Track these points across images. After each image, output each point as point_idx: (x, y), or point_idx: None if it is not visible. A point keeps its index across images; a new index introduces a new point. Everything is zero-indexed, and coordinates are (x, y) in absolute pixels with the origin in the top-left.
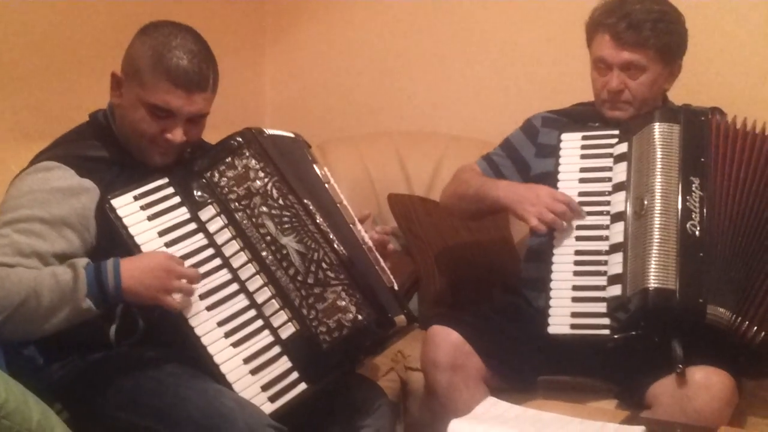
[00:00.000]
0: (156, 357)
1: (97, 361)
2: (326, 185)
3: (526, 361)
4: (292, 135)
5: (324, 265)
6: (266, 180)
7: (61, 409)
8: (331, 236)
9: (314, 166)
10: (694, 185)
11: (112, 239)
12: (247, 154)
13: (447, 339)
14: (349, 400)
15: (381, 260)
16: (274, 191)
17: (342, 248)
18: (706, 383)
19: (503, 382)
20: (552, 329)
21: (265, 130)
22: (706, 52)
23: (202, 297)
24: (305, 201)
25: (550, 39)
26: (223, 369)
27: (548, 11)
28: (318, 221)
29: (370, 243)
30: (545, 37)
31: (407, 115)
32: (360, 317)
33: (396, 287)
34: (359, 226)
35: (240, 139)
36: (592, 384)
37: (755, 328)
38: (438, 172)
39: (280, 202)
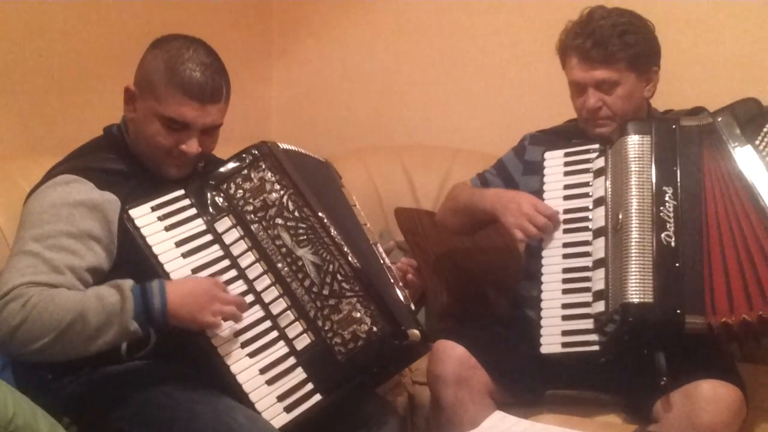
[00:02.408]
0: (167, 372)
1: (107, 375)
2: (353, 207)
3: (533, 375)
4: (322, 159)
5: (339, 277)
6: (282, 192)
7: (70, 424)
8: (345, 249)
9: (342, 190)
10: (667, 195)
11: (131, 250)
12: (263, 166)
13: (452, 353)
14: (357, 414)
15: (399, 282)
16: (290, 204)
17: (356, 261)
18: (713, 396)
19: (510, 395)
20: (544, 349)
21: (287, 146)
22: (689, 53)
23: None
24: (320, 214)
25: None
26: (240, 379)
27: (555, 25)
28: (332, 234)
29: (389, 264)
30: (552, 50)
31: (414, 129)
32: (375, 329)
33: (413, 308)
34: (380, 249)
35: (256, 152)
36: (599, 398)
37: (724, 325)
38: (445, 186)
39: (296, 214)
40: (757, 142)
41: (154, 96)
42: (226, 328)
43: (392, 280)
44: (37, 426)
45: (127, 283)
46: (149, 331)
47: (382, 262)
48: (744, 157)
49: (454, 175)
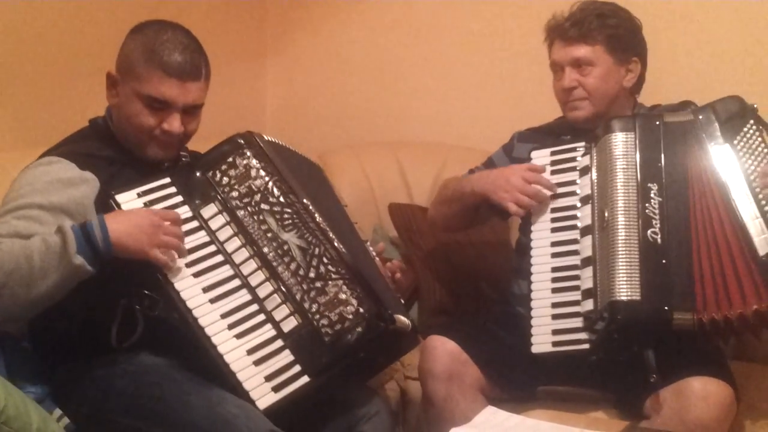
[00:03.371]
0: (159, 362)
1: (99, 367)
2: (344, 207)
3: (524, 371)
4: (312, 160)
5: (325, 260)
6: (267, 179)
7: (61, 415)
8: (330, 234)
9: (331, 188)
10: (652, 192)
11: None
12: (249, 154)
13: (444, 349)
14: (349, 409)
15: (388, 277)
16: (275, 189)
17: (342, 246)
18: (704, 393)
19: (501, 391)
20: (535, 348)
21: (272, 138)
22: (677, 47)
23: (206, 290)
24: (305, 201)
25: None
26: (228, 358)
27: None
28: (317, 219)
29: (378, 260)
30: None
31: (408, 125)
32: (361, 310)
33: (402, 301)
34: (370, 247)
35: (241, 141)
36: (590, 394)
37: (713, 318)
38: (439, 182)
39: (281, 199)
40: (736, 142)
41: (135, 77)
42: (213, 310)
43: (382, 272)
44: (28, 417)
45: (68, 223)
46: (98, 266)
47: (373, 256)
48: (721, 156)
49: (448, 171)
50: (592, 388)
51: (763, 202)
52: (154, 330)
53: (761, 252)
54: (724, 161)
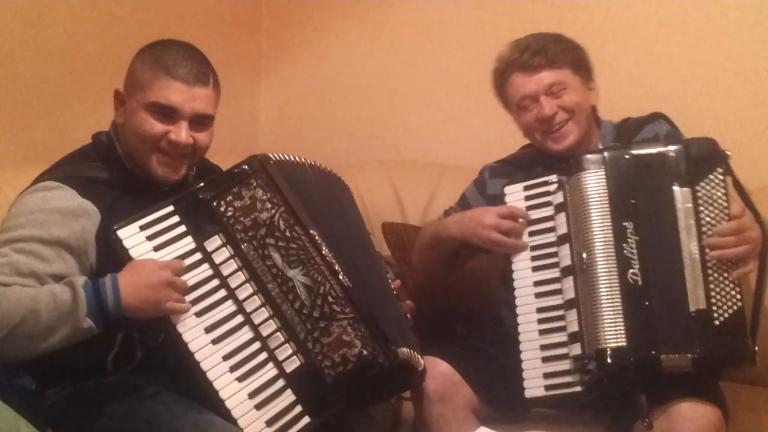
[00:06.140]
0: (150, 386)
1: (90, 388)
2: (370, 235)
3: (517, 392)
4: (339, 180)
5: (330, 299)
6: (273, 211)
7: None
8: (336, 268)
9: (348, 201)
10: (628, 230)
11: (112, 264)
12: (254, 184)
13: (436, 369)
14: (339, 430)
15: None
16: (281, 223)
17: (348, 281)
18: (693, 415)
19: (494, 412)
20: (528, 393)
21: (283, 156)
22: (643, 58)
23: (208, 330)
24: (312, 232)
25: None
26: (229, 404)
27: None
28: (324, 252)
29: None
30: None
31: (402, 144)
32: (365, 352)
33: (415, 338)
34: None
35: (246, 168)
36: (582, 416)
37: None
38: (432, 201)
39: (287, 234)
40: (698, 187)
41: (139, 88)
42: (215, 351)
43: (396, 305)
44: None
45: (80, 280)
46: (105, 327)
47: (389, 278)
48: (680, 198)
49: (442, 190)
50: (584, 410)
51: (708, 257)
52: (151, 358)
53: (691, 308)
54: (682, 203)
